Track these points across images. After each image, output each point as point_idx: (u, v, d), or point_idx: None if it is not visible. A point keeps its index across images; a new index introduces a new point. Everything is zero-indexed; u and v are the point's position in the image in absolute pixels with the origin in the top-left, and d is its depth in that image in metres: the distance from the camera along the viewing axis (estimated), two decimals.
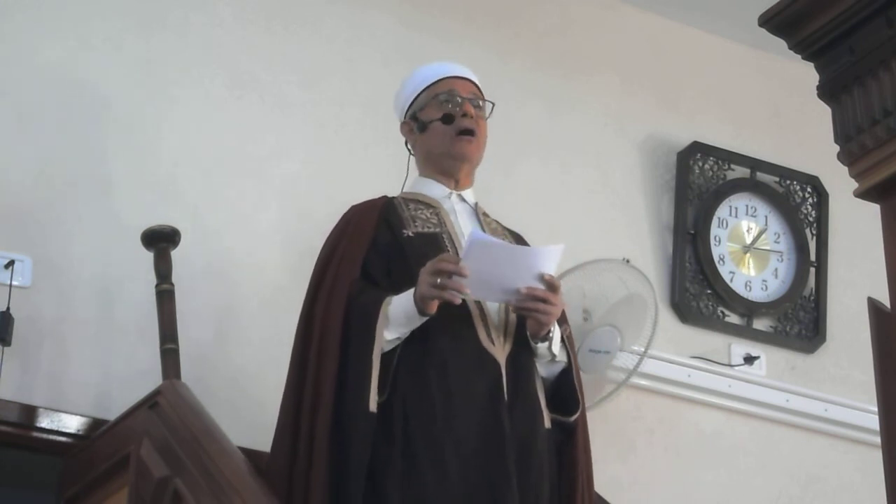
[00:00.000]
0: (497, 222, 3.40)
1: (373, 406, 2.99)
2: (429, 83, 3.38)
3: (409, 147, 3.43)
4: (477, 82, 3.41)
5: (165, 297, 3.70)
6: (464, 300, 3.09)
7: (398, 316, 3.04)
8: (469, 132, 3.30)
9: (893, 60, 1.87)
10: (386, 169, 4.24)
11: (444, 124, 3.30)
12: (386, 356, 3.06)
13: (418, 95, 3.38)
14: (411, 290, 3.04)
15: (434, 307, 3.03)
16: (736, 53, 5.14)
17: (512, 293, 3.06)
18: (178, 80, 4.22)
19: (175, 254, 3.78)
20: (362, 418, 2.99)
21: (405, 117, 3.41)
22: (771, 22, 2.00)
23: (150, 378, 3.66)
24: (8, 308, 3.74)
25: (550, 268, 3.08)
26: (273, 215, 4.21)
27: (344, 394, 3.04)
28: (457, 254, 3.16)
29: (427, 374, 3.04)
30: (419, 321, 3.05)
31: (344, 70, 4.47)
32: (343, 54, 4.48)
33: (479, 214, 3.36)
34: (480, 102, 3.36)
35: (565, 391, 3.21)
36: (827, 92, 1.97)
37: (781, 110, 5.16)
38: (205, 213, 4.12)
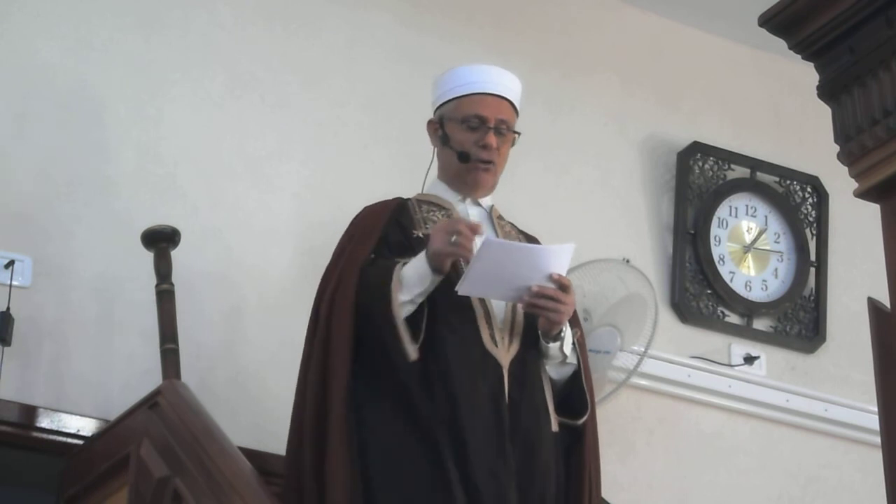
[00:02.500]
0: (512, 225, 3.40)
1: (413, 354, 2.99)
2: (461, 94, 3.33)
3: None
4: (513, 99, 3.35)
5: (165, 297, 3.70)
6: (469, 300, 3.09)
7: (411, 277, 3.03)
8: (486, 162, 3.29)
9: (893, 60, 1.87)
10: (386, 169, 4.26)
11: (460, 162, 3.29)
12: (415, 315, 3.05)
13: (449, 100, 3.34)
14: (422, 252, 3.04)
15: (448, 265, 3.03)
16: (736, 53, 5.14)
17: (523, 292, 3.06)
18: (178, 80, 4.22)
19: (175, 254, 3.78)
20: (406, 368, 2.99)
21: (433, 115, 3.39)
22: (771, 22, 2.00)
23: (150, 378, 3.66)
24: (8, 308, 3.74)
25: (562, 267, 3.09)
26: (273, 215, 4.21)
27: (373, 359, 3.03)
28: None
29: (430, 376, 3.03)
30: (432, 279, 3.04)
31: (344, 70, 4.47)
32: (343, 54, 4.48)
33: (494, 218, 3.36)
34: (506, 129, 3.31)
35: (575, 394, 3.21)
36: (827, 92, 1.97)
37: (781, 110, 5.15)
38: (205, 213, 4.12)
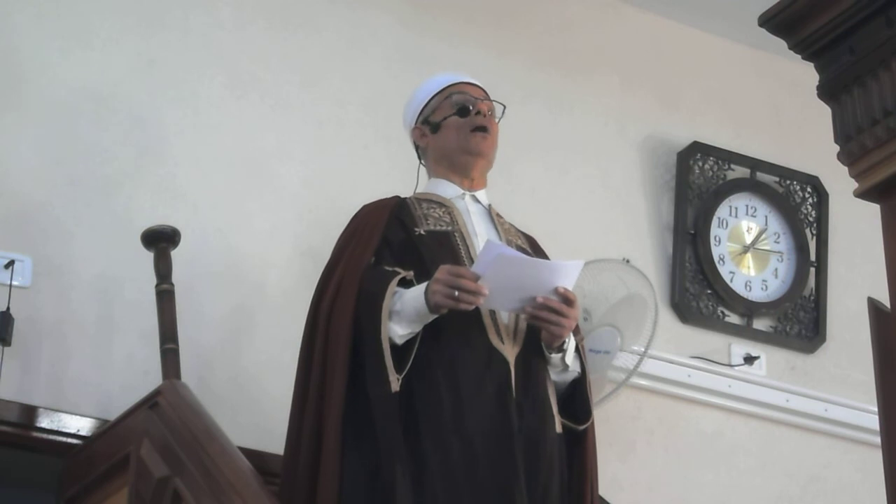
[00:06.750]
0: (511, 225, 3.41)
1: (395, 386, 2.99)
2: (440, 88, 3.40)
3: (420, 153, 3.44)
4: (486, 91, 3.43)
5: (165, 297, 3.70)
6: None
7: (409, 312, 3.04)
8: (483, 129, 3.32)
9: (893, 60, 1.87)
10: (386, 169, 4.26)
11: (459, 117, 3.32)
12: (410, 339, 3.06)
13: (430, 100, 3.39)
14: (422, 287, 3.04)
15: (446, 309, 3.03)
16: (736, 53, 5.14)
17: (527, 303, 3.07)
18: (178, 80, 4.22)
19: (175, 254, 3.78)
20: (386, 400, 2.98)
21: (416, 123, 3.41)
22: (771, 22, 2.00)
23: (150, 378, 3.66)
24: (8, 308, 3.74)
25: (569, 283, 3.10)
26: (273, 215, 4.21)
27: (362, 381, 3.03)
28: (468, 253, 3.17)
29: (435, 372, 3.04)
30: (430, 318, 3.05)
31: (344, 70, 4.47)
32: (343, 54, 4.48)
33: (493, 216, 3.37)
34: (489, 109, 3.37)
35: (577, 399, 3.22)
36: (827, 92, 1.97)
37: (781, 110, 5.15)
38: (205, 213, 4.12)
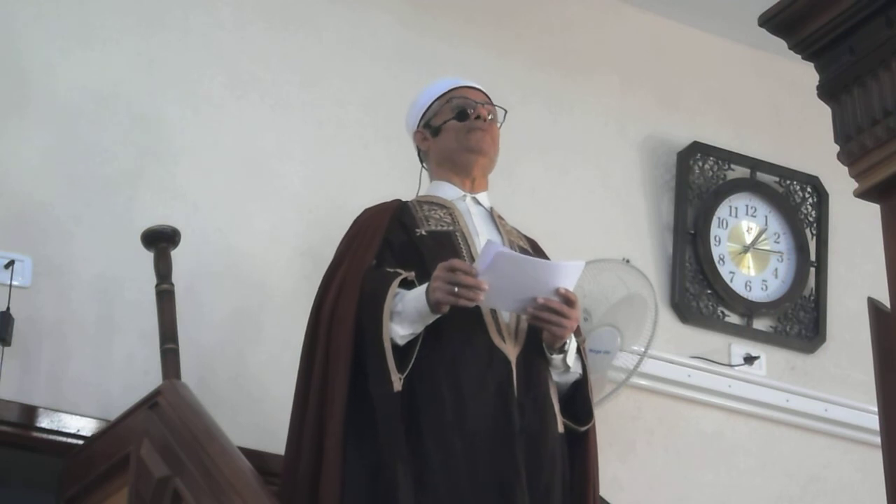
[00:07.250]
0: (513, 227, 3.41)
1: (397, 386, 2.99)
2: (442, 92, 3.41)
3: (422, 157, 3.45)
4: (488, 95, 3.44)
5: (165, 297, 3.70)
6: None
7: (411, 313, 3.04)
8: (482, 130, 3.33)
9: (893, 60, 1.87)
10: (386, 169, 4.26)
11: (458, 121, 3.33)
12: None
13: (431, 104, 3.41)
14: (423, 288, 3.05)
15: (447, 307, 3.03)
16: (736, 53, 5.14)
17: (528, 304, 3.07)
18: (179, 80, 4.22)
19: (175, 254, 3.78)
20: (388, 400, 2.98)
21: (418, 127, 3.42)
22: (771, 22, 2.00)
23: (150, 378, 3.66)
24: (8, 308, 3.74)
25: (569, 283, 3.10)
26: (273, 215, 4.22)
27: (363, 382, 3.03)
28: (469, 253, 3.18)
29: (436, 371, 3.05)
30: (432, 318, 3.05)
31: (344, 70, 4.47)
32: (343, 54, 4.48)
33: (495, 218, 3.37)
34: (489, 112, 3.38)
35: (578, 401, 3.22)
36: (827, 92, 1.97)
37: (781, 110, 5.16)
38: (205, 213, 4.12)
